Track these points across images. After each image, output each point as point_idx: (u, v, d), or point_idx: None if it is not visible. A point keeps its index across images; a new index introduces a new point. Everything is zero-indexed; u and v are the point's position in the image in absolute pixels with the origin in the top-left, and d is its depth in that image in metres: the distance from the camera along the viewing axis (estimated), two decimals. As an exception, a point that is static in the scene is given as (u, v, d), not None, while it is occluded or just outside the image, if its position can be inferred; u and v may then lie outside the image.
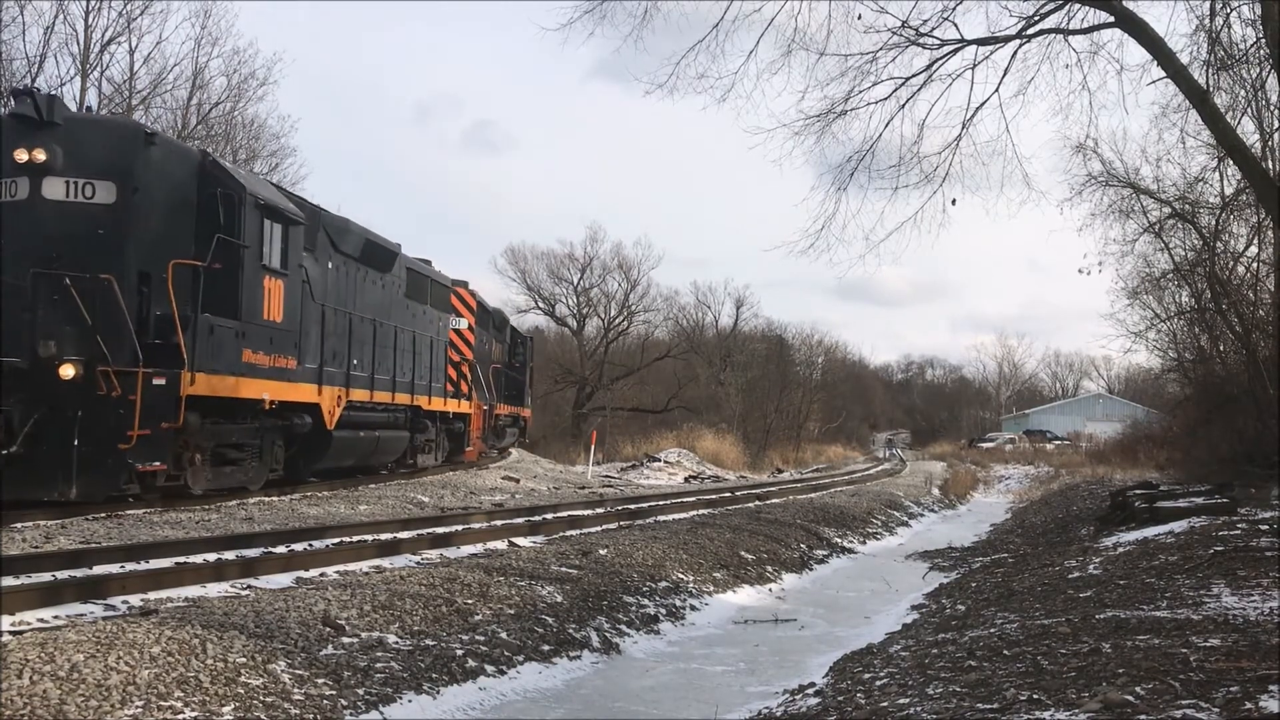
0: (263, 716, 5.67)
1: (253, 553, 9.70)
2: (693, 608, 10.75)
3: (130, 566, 8.58)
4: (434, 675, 6.89)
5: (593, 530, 14.04)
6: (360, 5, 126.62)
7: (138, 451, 11.54)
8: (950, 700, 5.57)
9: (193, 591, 7.93)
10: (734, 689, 7.84)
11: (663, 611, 10.21)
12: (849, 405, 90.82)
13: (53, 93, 12.75)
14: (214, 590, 8.05)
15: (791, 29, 16.20)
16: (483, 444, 26.62)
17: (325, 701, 6.05)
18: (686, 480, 33.23)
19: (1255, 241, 21.32)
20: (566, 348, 63.37)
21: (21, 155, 11.90)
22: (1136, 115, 70.43)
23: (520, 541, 12.28)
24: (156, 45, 29.98)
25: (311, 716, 5.83)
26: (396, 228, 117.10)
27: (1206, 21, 14.14)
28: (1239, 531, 11.87)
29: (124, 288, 11.87)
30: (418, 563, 10.17)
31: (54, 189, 12.00)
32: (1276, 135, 18.33)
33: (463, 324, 24.46)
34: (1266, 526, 12.06)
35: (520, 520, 14.12)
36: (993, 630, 7.95)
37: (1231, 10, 14.18)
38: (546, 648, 8.17)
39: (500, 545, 11.84)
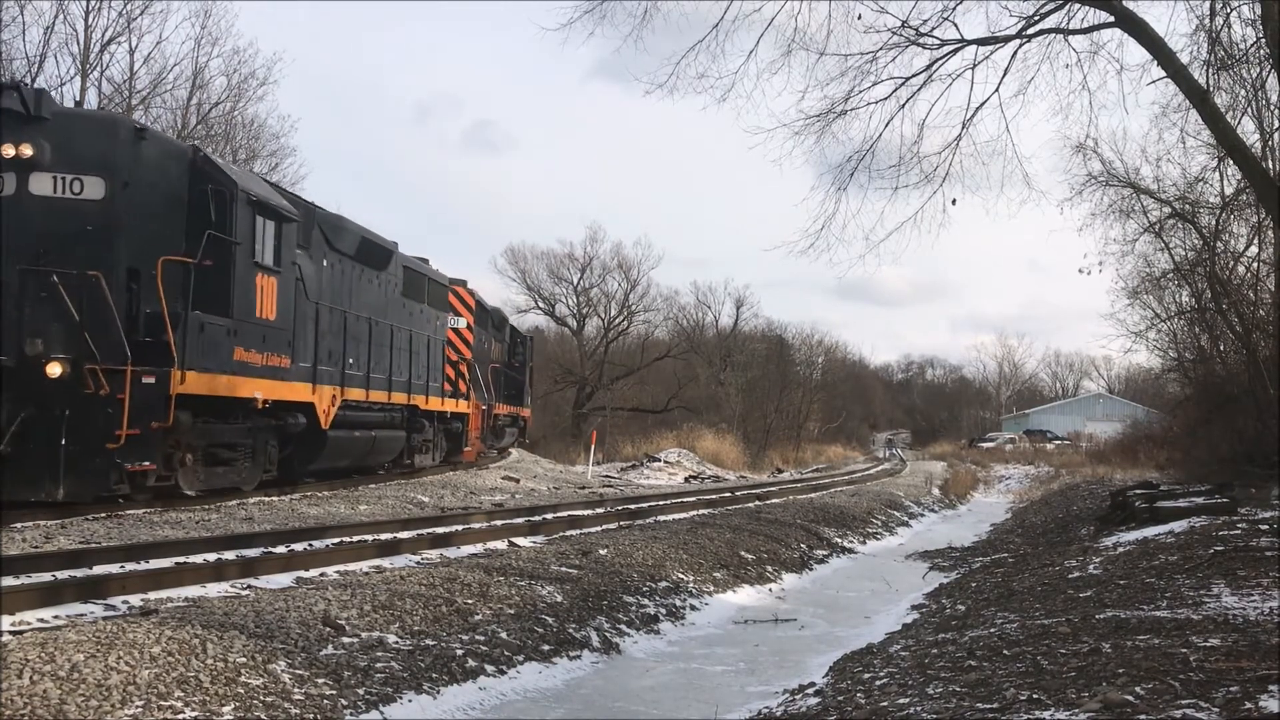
0: (263, 716, 5.67)
1: (253, 553, 9.69)
2: (693, 607, 10.76)
3: (130, 566, 8.58)
4: (434, 675, 6.89)
5: (593, 530, 14.04)
6: (360, 5, 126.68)
7: (127, 451, 11.38)
8: (950, 700, 5.57)
9: (193, 591, 7.92)
10: (734, 689, 7.84)
11: (663, 611, 10.21)
12: (849, 405, 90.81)
13: (40, 86, 12.65)
14: (214, 590, 8.05)
15: (791, 29, 16.16)
16: (481, 444, 26.45)
17: (325, 701, 6.05)
18: (686, 480, 33.22)
19: (1255, 241, 21.34)
20: (566, 348, 63.38)
21: (8, 150, 11.70)
22: (1136, 115, 70.44)
23: (520, 541, 12.28)
24: (156, 45, 29.99)
25: (311, 716, 5.84)
26: (396, 228, 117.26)
27: (1206, 21, 14.14)
28: (1239, 531, 11.87)
29: (113, 285, 11.73)
30: (418, 563, 10.17)
31: (41, 185, 11.82)
32: (1276, 135, 18.34)
33: (461, 323, 24.30)
34: (1266, 526, 12.06)
35: (520, 520, 14.12)
36: (993, 630, 7.95)
37: (1231, 10, 14.19)
38: (546, 647, 8.18)
39: (500, 545, 11.84)
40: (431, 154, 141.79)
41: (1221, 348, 24.46)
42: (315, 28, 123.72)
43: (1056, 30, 14.18)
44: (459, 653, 7.39)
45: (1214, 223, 21.32)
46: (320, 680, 6.30)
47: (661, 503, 18.85)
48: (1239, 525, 12.46)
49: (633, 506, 17.45)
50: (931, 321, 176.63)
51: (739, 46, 45.90)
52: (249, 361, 13.45)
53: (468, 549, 11.30)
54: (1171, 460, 28.48)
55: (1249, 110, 17.56)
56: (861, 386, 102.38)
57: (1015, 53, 14.57)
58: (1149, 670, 5.55)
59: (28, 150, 11.73)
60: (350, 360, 17.00)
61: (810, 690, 7.04)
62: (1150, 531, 13.26)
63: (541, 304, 64.18)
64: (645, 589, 10.69)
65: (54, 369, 11.17)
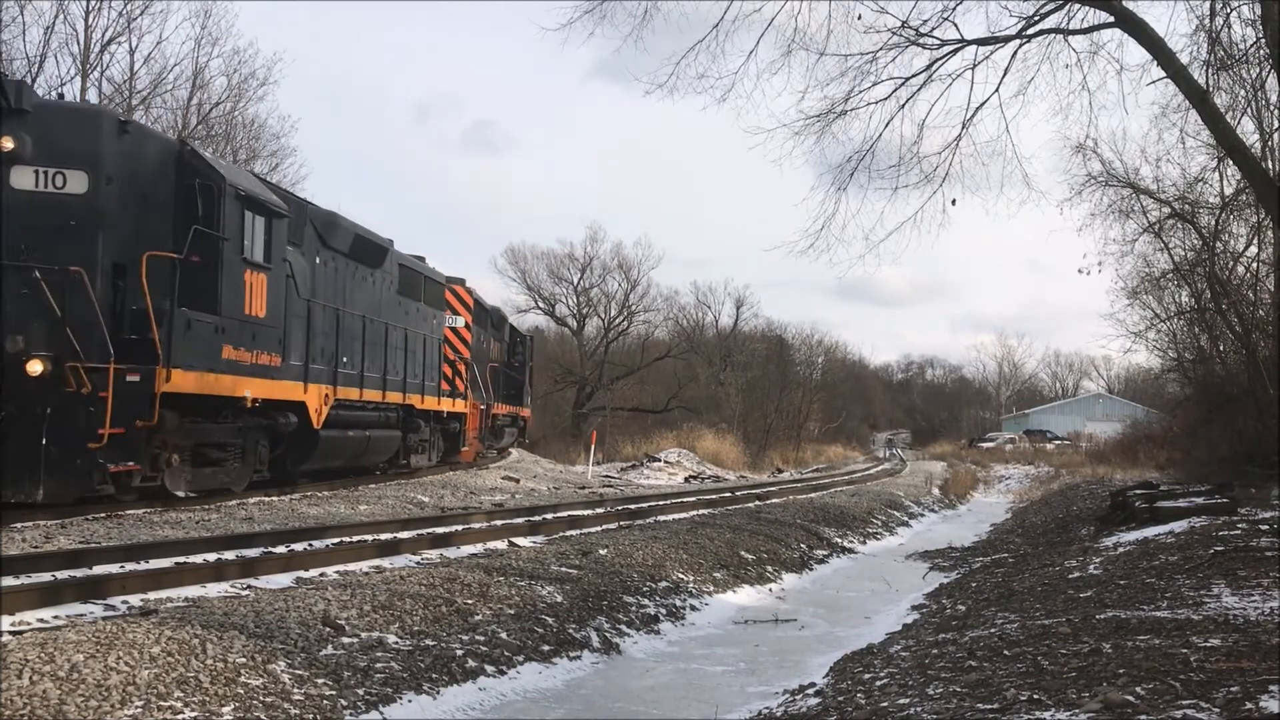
0: (263, 716, 5.67)
1: (253, 553, 9.69)
2: (693, 608, 10.75)
3: (130, 566, 8.57)
4: (434, 675, 6.89)
5: (593, 530, 14.03)
6: (360, 5, 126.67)
7: (110, 451, 11.11)
8: (950, 700, 5.57)
9: (193, 591, 7.92)
10: (734, 689, 7.84)
11: (663, 611, 10.21)
12: (849, 405, 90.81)
13: (20, 78, 12.44)
14: (214, 590, 8.05)
15: (791, 29, 16.16)
16: (480, 444, 26.28)
17: (325, 701, 6.05)
18: (686, 480, 33.22)
19: (1255, 241, 21.34)
20: (566, 348, 63.39)
21: None
22: (1136, 115, 70.46)
23: (520, 541, 12.28)
24: (156, 45, 30.02)
25: (311, 716, 5.83)
26: (396, 228, 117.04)
27: (1206, 21, 14.15)
28: (1239, 531, 11.87)
29: (96, 281, 11.46)
30: (418, 563, 10.16)
31: (23, 178, 11.51)
32: (1276, 135, 18.35)
33: (459, 322, 24.12)
34: (1266, 526, 12.06)
35: (520, 520, 14.12)
36: (993, 630, 7.95)
37: (1231, 10, 14.20)
38: (546, 648, 8.17)
39: (500, 545, 11.84)
40: (431, 154, 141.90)
41: (1221, 348, 24.46)
42: (315, 28, 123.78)
43: (1056, 30, 14.19)
44: (459, 653, 7.39)
45: (1214, 223, 21.33)
46: (320, 680, 6.30)
47: (661, 503, 18.85)
48: (1239, 525, 12.46)
49: (633, 506, 17.44)
50: (931, 321, 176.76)
51: (739, 46, 45.88)
52: (238, 360, 13.21)
53: (468, 549, 11.30)
54: (1171, 460, 28.48)
55: (1249, 110, 17.58)
56: (861, 386, 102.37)
57: (1015, 53, 14.59)
58: (1149, 670, 5.55)
59: (8, 143, 11.41)
60: (344, 359, 16.80)
61: (810, 690, 7.04)
62: (1150, 532, 13.26)
63: (541, 304, 64.28)
64: (645, 589, 10.69)
65: (35, 367, 10.89)
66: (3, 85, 11.57)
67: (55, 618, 6.71)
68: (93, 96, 27.09)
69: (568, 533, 13.55)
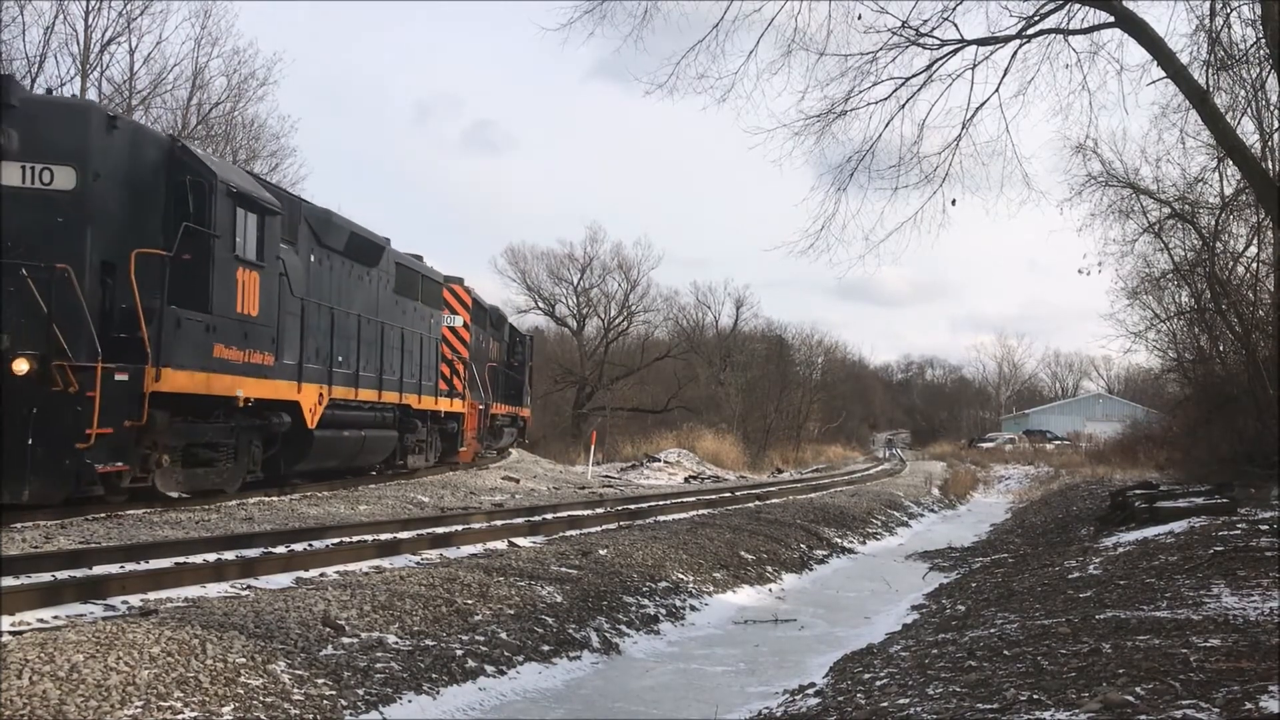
0: (262, 717, 5.67)
1: (253, 553, 9.69)
2: (693, 608, 10.75)
3: (130, 566, 8.57)
4: (434, 675, 6.89)
5: (593, 530, 14.03)
6: (360, 5, 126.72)
7: (97, 451, 10.89)
8: (950, 700, 5.57)
9: (193, 591, 7.92)
10: (734, 689, 7.84)
11: (663, 611, 10.21)
12: (849, 405, 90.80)
13: (7, 73, 12.23)
14: (214, 590, 8.05)
15: (791, 29, 16.19)
16: (478, 444, 26.13)
17: (325, 702, 6.05)
18: (686, 480, 33.22)
19: (1255, 241, 21.34)
20: (566, 348, 63.40)
21: None
22: (1136, 115, 70.52)
23: (520, 541, 12.28)
24: (156, 45, 30.03)
25: (311, 717, 5.83)
26: (397, 228, 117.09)
27: (1206, 21, 14.16)
28: (1239, 531, 11.87)
29: (84, 278, 11.24)
30: (417, 563, 10.16)
31: (9, 174, 11.29)
32: (1276, 135, 18.34)
33: (457, 321, 23.94)
34: (1266, 526, 12.06)
35: (520, 520, 14.12)
36: (993, 630, 7.95)
37: (1231, 10, 14.20)
38: (546, 648, 8.17)
39: (500, 545, 11.84)
40: (431, 154, 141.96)
41: (1221, 348, 24.46)
42: (315, 28, 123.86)
43: (1056, 30, 14.19)
44: (459, 653, 7.39)
45: (1214, 223, 21.33)
46: (320, 680, 6.30)
47: (661, 503, 18.85)
48: (1239, 525, 12.46)
49: (633, 506, 17.44)
50: (931, 321, 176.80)
51: (739, 47, 45.90)
52: (229, 358, 13.01)
53: (467, 549, 11.30)
54: (1171, 460, 28.48)
55: (1249, 110, 17.58)
56: (861, 386, 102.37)
57: (1015, 53, 14.60)
58: (1149, 670, 5.55)
59: None
60: (339, 358, 16.63)
61: (810, 690, 7.04)
62: (1150, 532, 13.26)
63: (541, 304, 64.30)
64: (645, 589, 10.69)
65: (20, 365, 10.65)
66: None
67: (55, 618, 6.71)
68: (93, 96, 27.07)
69: (568, 533, 13.55)
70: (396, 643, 7.27)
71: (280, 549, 10.06)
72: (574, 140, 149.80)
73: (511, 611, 8.69)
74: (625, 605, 9.95)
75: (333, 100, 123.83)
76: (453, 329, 23.75)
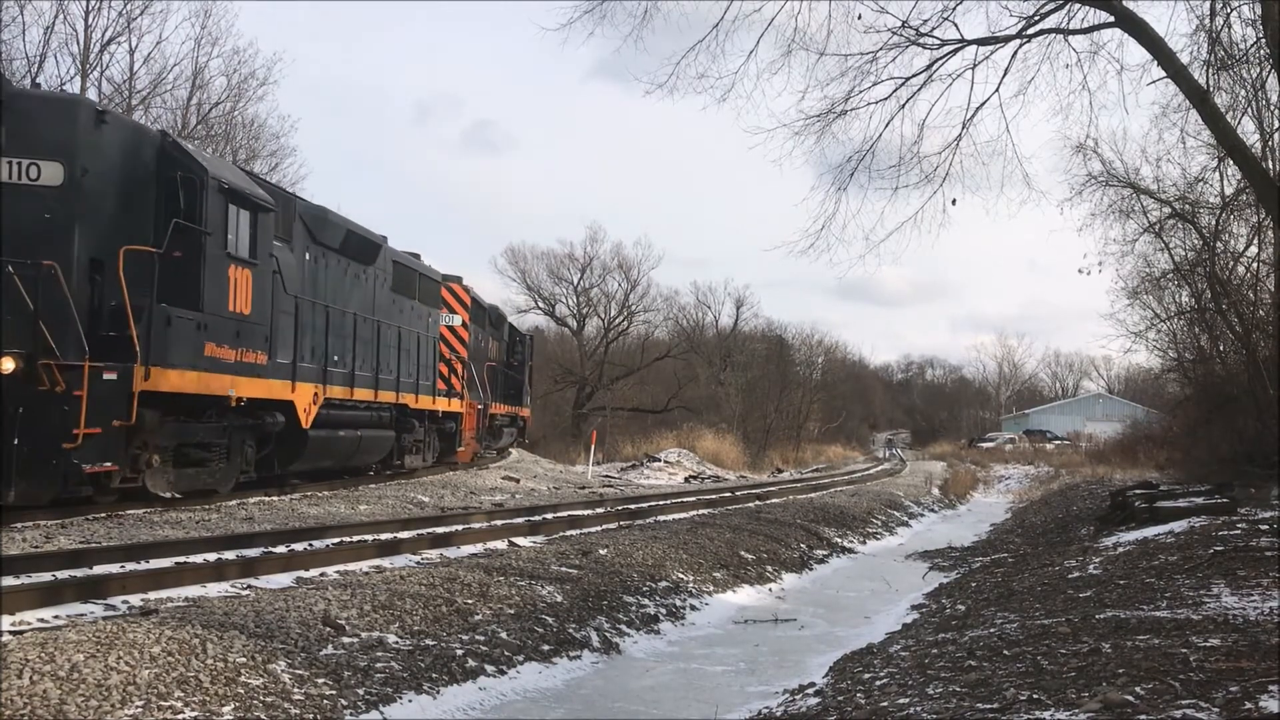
0: (263, 716, 5.67)
1: (253, 552, 9.69)
2: (693, 607, 10.76)
3: (130, 566, 8.57)
4: (434, 675, 6.89)
5: (593, 530, 14.04)
6: (360, 5, 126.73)
7: (85, 452, 10.68)
8: (950, 700, 5.57)
9: (193, 591, 7.92)
10: (734, 689, 7.84)
11: (663, 611, 10.21)
12: (849, 405, 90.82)
13: None
14: (214, 590, 8.05)
15: (791, 29, 16.22)
16: (477, 444, 25.95)
17: (325, 701, 6.05)
18: (686, 480, 33.22)
19: (1255, 241, 21.35)
20: (566, 348, 63.40)
21: None
22: (1136, 115, 70.48)
23: (520, 541, 12.28)
24: (156, 45, 30.09)
25: (311, 716, 5.83)
26: (397, 228, 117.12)
27: (1206, 21, 14.15)
28: (1239, 531, 11.87)
29: (72, 276, 11.07)
30: (418, 562, 10.17)
31: None
32: (1276, 135, 18.34)
33: (455, 320, 23.75)
34: (1266, 526, 12.06)
35: (520, 520, 14.12)
36: (993, 630, 7.95)
37: (1231, 10, 14.19)
38: (546, 647, 8.18)
39: (500, 545, 11.84)
40: (431, 154, 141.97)
41: (1221, 348, 24.46)
42: (315, 28, 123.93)
43: (1056, 30, 14.20)
44: (459, 653, 7.39)
45: (1214, 223, 21.34)
46: (320, 680, 6.30)
47: (661, 503, 18.85)
48: (1239, 525, 12.46)
49: (633, 506, 17.45)
50: (931, 321, 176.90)
51: (739, 46, 45.93)
52: (221, 357, 12.82)
53: (468, 549, 11.30)
54: (1171, 460, 28.49)
55: (1249, 110, 17.58)
56: (861, 386, 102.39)
57: (1015, 53, 14.60)
58: (1149, 670, 5.55)
59: None
60: (335, 357, 16.41)
61: (810, 690, 7.04)
62: (1150, 531, 13.26)
63: (541, 304, 64.30)
64: (645, 589, 10.69)
65: (6, 364, 10.48)
66: None
67: (55, 617, 6.72)
68: (92, 96, 27.10)
69: (568, 532, 13.55)
70: (397, 642, 7.27)
71: (280, 549, 10.07)
72: (574, 140, 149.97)
73: (512, 611, 8.69)
74: (625, 605, 9.95)
75: (333, 100, 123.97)
76: (451, 328, 23.56)
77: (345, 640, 7.06)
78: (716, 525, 15.49)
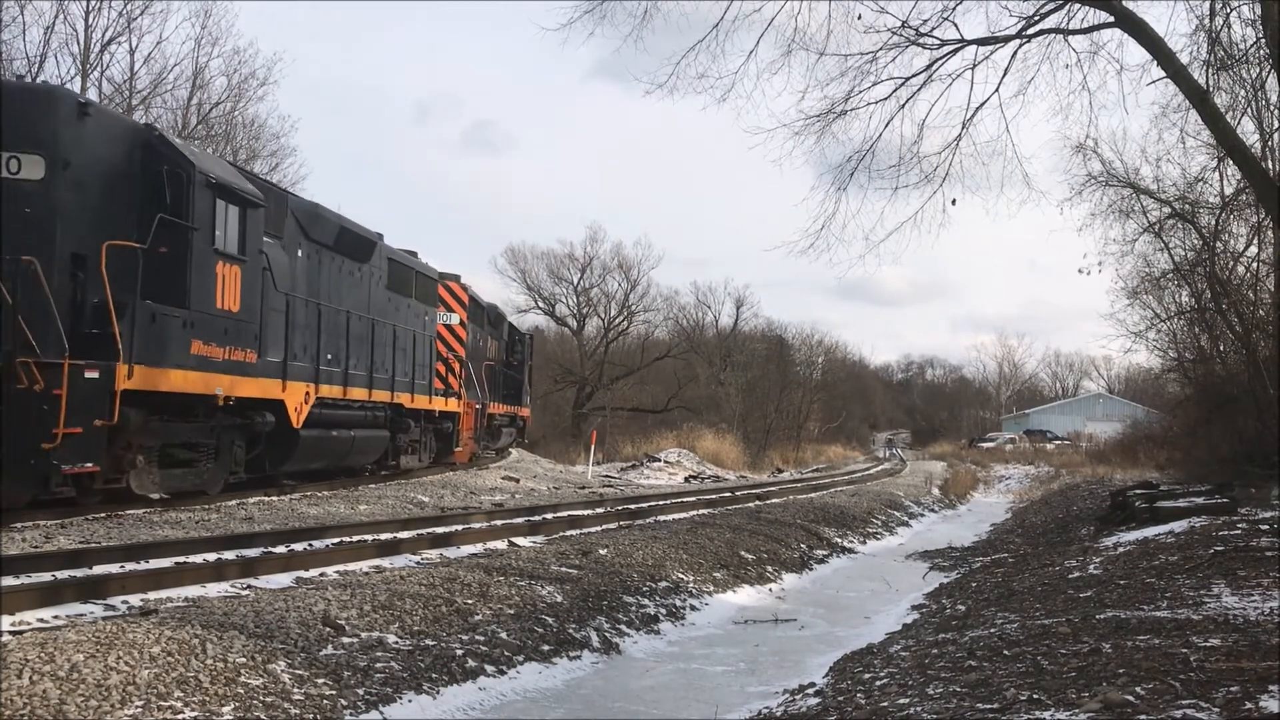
0: (263, 716, 5.67)
1: (253, 553, 9.69)
2: (693, 608, 10.75)
3: (130, 566, 8.57)
4: (434, 675, 6.89)
5: (593, 530, 14.04)
6: (360, 5, 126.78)
7: (65, 452, 10.40)
8: (950, 700, 5.57)
9: (193, 591, 7.92)
10: (734, 689, 7.84)
11: (663, 611, 10.21)
12: (849, 405, 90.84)
13: None
14: (214, 590, 8.05)
15: (791, 29, 16.23)
16: (475, 445, 25.76)
17: (325, 701, 6.05)
18: (686, 480, 33.22)
19: (1255, 241, 21.35)
20: (566, 348, 63.42)
21: None
22: (1136, 115, 70.54)
23: (520, 541, 12.28)
24: (156, 45, 30.10)
25: (311, 716, 5.83)
26: (397, 228, 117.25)
27: (1206, 21, 14.16)
28: (1239, 531, 11.87)
29: (52, 272, 10.77)
30: (418, 563, 10.17)
31: None
32: (1276, 135, 18.35)
33: (453, 319, 23.54)
34: (1266, 526, 12.06)
35: (520, 520, 14.11)
36: (993, 630, 7.94)
37: (1231, 10, 14.21)
38: (546, 648, 8.17)
39: (500, 545, 11.84)
40: (431, 154, 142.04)
41: (1221, 348, 24.46)
42: (315, 28, 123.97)
43: (1056, 30, 14.20)
44: (459, 653, 7.39)
45: (1214, 223, 21.34)
46: (320, 680, 6.30)
47: (661, 503, 18.84)
48: (1239, 525, 12.46)
49: (633, 506, 17.44)
50: (931, 321, 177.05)
51: (739, 46, 45.93)
52: (208, 355, 12.56)
53: (468, 549, 11.30)
54: (1171, 460, 28.49)
55: (1249, 110, 17.58)
56: (861, 386, 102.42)
57: (1015, 53, 14.62)
58: (1149, 670, 5.55)
59: None
60: (328, 356, 16.17)
61: (810, 690, 7.04)
62: (1150, 531, 13.26)
63: (541, 304, 64.33)
64: (645, 589, 10.69)
65: None
66: None
67: (55, 618, 6.71)
68: (93, 96, 27.10)
69: (568, 533, 13.55)
70: (396, 642, 7.27)
71: (280, 549, 10.06)
72: (574, 140, 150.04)
73: (511, 611, 8.69)
74: (625, 605, 9.95)
75: (333, 100, 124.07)
76: (448, 327, 23.34)
77: (345, 640, 7.05)
78: (716, 525, 15.48)
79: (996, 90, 14.80)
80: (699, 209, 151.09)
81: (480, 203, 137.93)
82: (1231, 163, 15.69)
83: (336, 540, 10.97)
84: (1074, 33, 14.18)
